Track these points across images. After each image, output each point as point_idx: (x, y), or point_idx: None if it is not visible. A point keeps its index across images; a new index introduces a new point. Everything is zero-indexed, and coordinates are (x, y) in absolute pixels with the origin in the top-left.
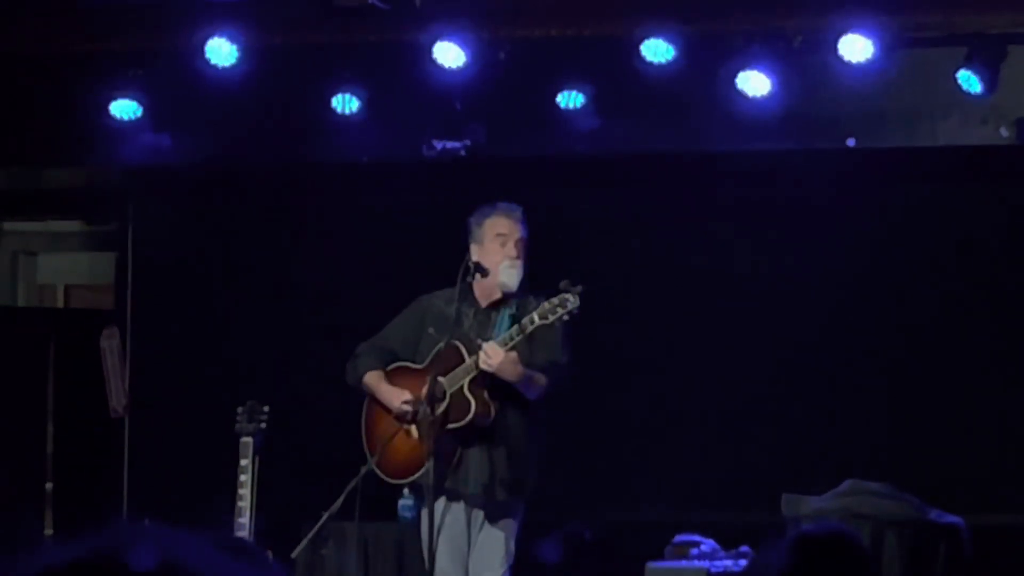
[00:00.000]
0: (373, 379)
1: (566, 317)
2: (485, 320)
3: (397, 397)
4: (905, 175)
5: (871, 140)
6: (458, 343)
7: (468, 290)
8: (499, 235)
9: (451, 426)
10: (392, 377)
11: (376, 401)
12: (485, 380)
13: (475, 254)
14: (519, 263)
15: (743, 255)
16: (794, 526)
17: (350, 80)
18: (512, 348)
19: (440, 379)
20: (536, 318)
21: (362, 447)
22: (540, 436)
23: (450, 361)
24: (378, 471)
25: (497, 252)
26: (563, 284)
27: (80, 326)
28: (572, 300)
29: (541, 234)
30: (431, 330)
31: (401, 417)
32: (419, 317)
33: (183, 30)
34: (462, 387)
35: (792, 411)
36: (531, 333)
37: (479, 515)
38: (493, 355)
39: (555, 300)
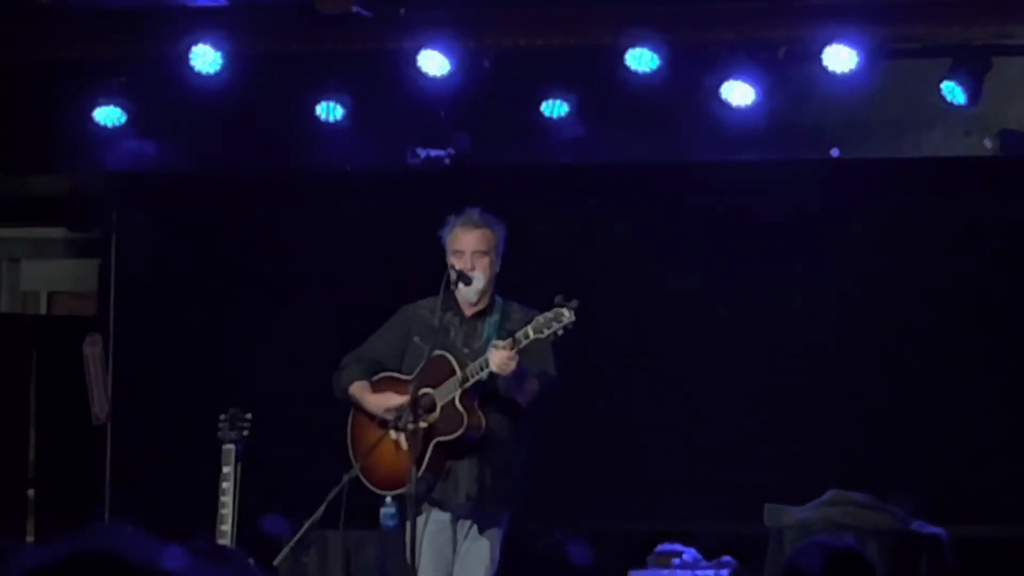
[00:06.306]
0: (358, 389)
1: (561, 332)
2: (471, 330)
3: (382, 403)
4: (889, 186)
5: (855, 151)
6: (447, 354)
7: (452, 299)
8: (455, 251)
9: (442, 439)
10: (378, 387)
11: (362, 411)
12: (475, 392)
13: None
14: (475, 275)
15: (727, 265)
16: (776, 536)
17: (334, 88)
18: None
19: (430, 390)
20: (531, 332)
21: (345, 455)
22: (525, 446)
23: (439, 373)
24: (364, 479)
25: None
26: (558, 299)
27: (63, 333)
28: (567, 315)
29: (524, 243)
30: (416, 339)
31: (384, 424)
32: (404, 326)
33: (167, 37)
34: (453, 400)
35: (775, 421)
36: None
37: (465, 524)
38: (502, 354)
39: (550, 314)
